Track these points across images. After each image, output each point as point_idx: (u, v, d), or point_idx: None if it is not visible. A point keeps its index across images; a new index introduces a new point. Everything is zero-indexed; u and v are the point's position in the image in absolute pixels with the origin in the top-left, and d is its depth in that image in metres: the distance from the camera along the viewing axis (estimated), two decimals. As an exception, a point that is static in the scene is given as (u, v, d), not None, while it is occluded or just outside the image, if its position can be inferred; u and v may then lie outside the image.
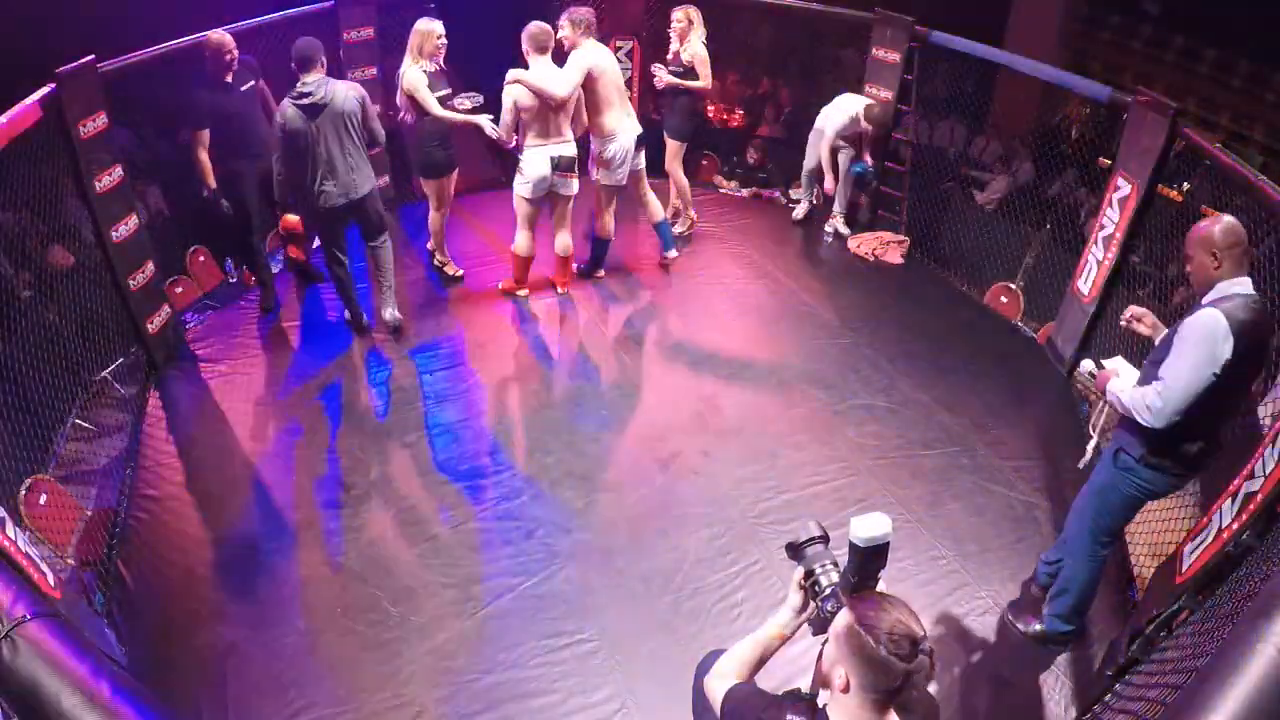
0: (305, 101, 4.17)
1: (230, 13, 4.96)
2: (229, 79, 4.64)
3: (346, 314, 4.98)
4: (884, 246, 6.00)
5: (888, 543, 1.65)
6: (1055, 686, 3.17)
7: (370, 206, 4.59)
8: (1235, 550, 2.62)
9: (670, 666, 3.12)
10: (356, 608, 3.38)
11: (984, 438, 4.34)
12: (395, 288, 4.95)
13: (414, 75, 4.77)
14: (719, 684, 1.74)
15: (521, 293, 5.37)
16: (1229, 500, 2.77)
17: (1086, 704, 3.06)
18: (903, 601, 1.54)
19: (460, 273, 5.50)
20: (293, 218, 5.02)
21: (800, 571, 1.76)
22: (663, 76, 5.59)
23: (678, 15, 5.55)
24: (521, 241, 5.12)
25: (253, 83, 4.78)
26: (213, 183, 4.75)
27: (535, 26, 4.68)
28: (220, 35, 4.56)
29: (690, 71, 5.55)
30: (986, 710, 3.10)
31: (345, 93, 4.28)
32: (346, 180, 4.37)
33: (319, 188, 4.34)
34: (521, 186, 4.88)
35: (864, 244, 6.06)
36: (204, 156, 4.69)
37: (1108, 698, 2.99)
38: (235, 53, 4.60)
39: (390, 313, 4.89)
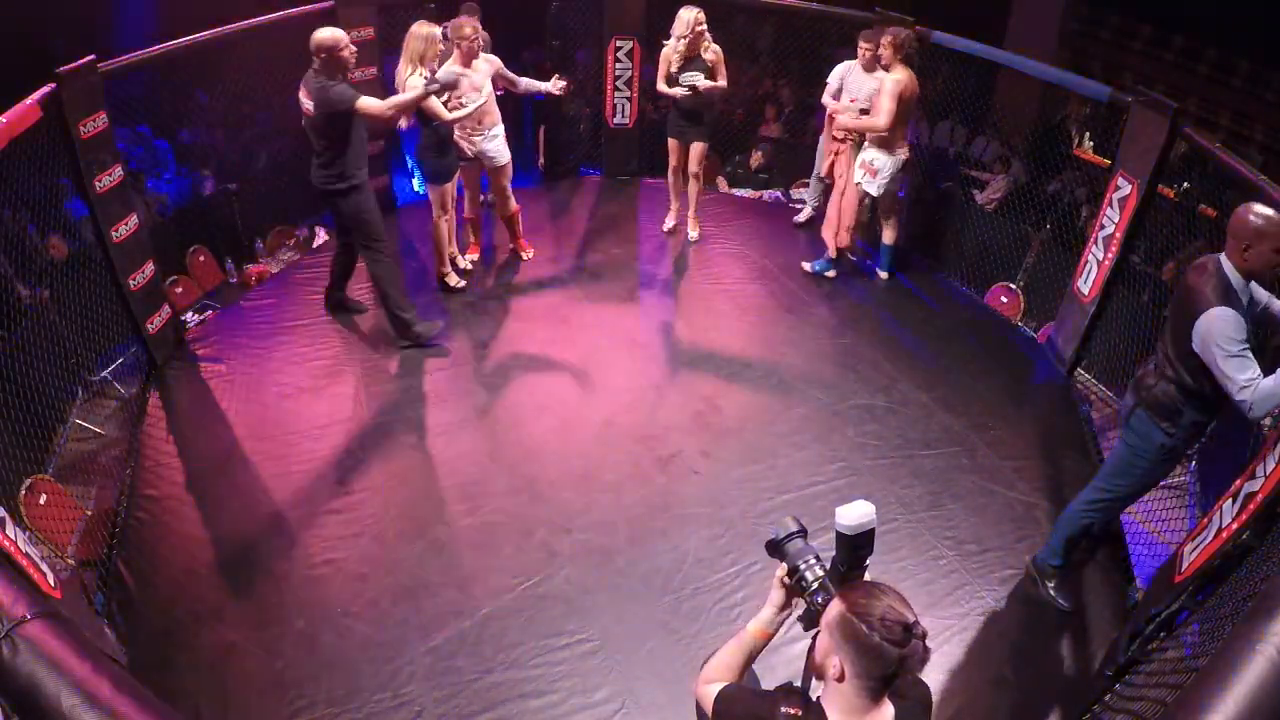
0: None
1: (229, 13, 4.96)
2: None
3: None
4: None
5: (873, 529, 1.68)
6: (1055, 686, 3.17)
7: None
8: (1235, 550, 2.63)
9: (670, 666, 3.13)
10: (356, 607, 3.38)
11: (984, 438, 4.34)
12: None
13: (417, 83, 4.52)
14: (708, 689, 1.74)
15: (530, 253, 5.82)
16: (1229, 500, 2.77)
17: (1086, 704, 3.06)
18: (892, 588, 1.56)
19: (463, 284, 5.44)
20: None
21: (783, 568, 1.76)
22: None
23: (699, 17, 5.20)
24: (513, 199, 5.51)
25: None
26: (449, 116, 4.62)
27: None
28: (334, 30, 4.16)
29: (712, 72, 5.46)
30: (986, 710, 3.09)
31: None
32: None
33: None
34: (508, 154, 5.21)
35: None
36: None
37: (1108, 698, 2.99)
38: (353, 47, 4.31)
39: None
